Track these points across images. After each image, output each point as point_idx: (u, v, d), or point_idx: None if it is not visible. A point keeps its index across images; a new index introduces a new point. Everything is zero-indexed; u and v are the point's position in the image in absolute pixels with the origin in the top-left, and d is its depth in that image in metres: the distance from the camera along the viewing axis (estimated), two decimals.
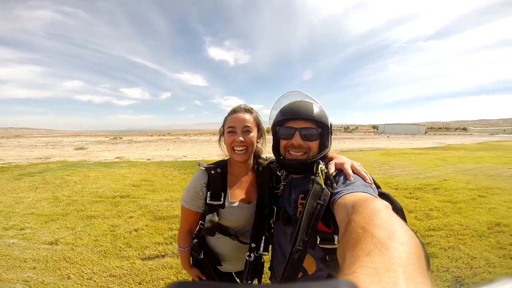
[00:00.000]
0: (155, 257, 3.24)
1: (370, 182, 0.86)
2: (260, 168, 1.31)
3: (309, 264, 0.93)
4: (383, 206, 0.51)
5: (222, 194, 1.22)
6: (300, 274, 0.94)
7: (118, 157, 14.93)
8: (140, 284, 2.71)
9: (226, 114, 1.32)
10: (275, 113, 1.11)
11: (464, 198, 5.69)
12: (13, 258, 3.14)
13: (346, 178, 0.85)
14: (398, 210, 0.76)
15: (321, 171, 0.85)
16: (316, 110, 1.00)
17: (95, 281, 2.73)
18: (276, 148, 1.10)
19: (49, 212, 4.88)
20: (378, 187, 0.91)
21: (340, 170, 0.91)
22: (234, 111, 1.26)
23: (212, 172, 1.24)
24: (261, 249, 1.12)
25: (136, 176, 8.29)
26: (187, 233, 1.34)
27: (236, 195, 1.27)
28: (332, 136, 1.09)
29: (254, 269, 1.13)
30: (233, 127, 1.22)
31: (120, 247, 3.53)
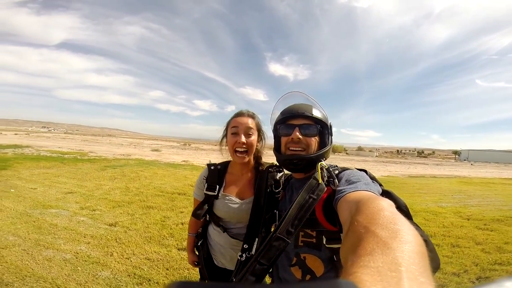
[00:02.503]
0: None
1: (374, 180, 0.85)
2: (261, 169, 1.38)
3: (317, 266, 0.91)
4: (387, 204, 0.49)
5: (217, 186, 1.34)
6: (308, 276, 0.92)
7: (184, 161, 16.35)
8: (167, 269, 2.78)
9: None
10: (276, 115, 1.14)
11: None
12: (77, 232, 3.59)
13: (350, 176, 0.82)
14: (402, 208, 0.74)
15: (321, 168, 0.86)
16: (315, 109, 1.03)
17: (131, 261, 2.89)
18: (277, 148, 1.11)
19: (118, 199, 5.52)
20: (380, 184, 0.87)
21: (344, 169, 0.91)
22: (238, 114, 1.35)
23: (211, 167, 1.40)
24: (254, 250, 1.11)
25: (195, 178, 8.76)
26: (194, 220, 1.47)
27: (230, 189, 1.37)
28: (332, 137, 1.07)
29: (243, 269, 1.04)
30: (236, 127, 1.29)
31: (164, 236, 3.72)
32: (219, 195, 1.34)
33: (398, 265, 0.28)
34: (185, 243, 3.44)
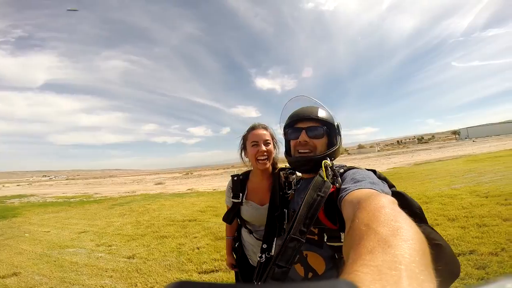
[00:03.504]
0: (210, 271, 3.35)
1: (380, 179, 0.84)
2: (277, 173, 1.48)
3: (319, 264, 0.91)
4: (388, 201, 0.49)
5: (240, 194, 1.50)
6: (310, 274, 0.92)
7: (189, 189, 16.40)
8: None
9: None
10: (284, 121, 1.18)
11: None
12: (98, 268, 3.65)
13: (355, 175, 0.82)
14: (415, 210, 0.76)
15: (325, 166, 0.86)
16: (321, 110, 1.06)
17: None
18: (287, 151, 1.16)
19: (131, 233, 5.58)
20: (392, 186, 0.87)
21: (349, 168, 0.92)
22: (254, 128, 1.50)
23: (235, 178, 1.56)
24: (273, 250, 1.13)
25: (203, 204, 8.90)
26: (228, 225, 1.65)
27: (251, 196, 1.52)
28: (341, 137, 1.09)
29: (264, 270, 1.16)
30: (256, 142, 1.44)
31: (183, 262, 3.77)
32: (243, 201, 1.50)
33: (398, 263, 0.28)
34: (204, 266, 3.52)
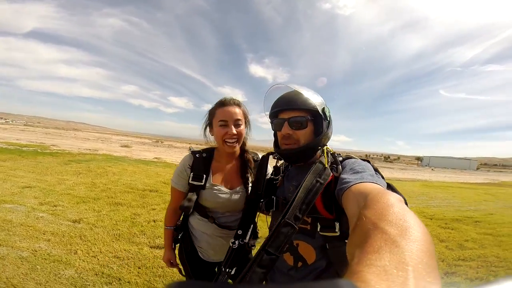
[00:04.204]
0: (163, 247, 3.11)
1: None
2: (246, 156, 1.39)
3: (309, 253, 0.90)
4: (396, 200, 0.47)
5: (203, 176, 1.28)
6: (300, 263, 0.92)
7: (156, 157, 15.73)
8: (139, 268, 2.61)
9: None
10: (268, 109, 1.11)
11: (510, 232, 5.10)
12: (35, 229, 3.26)
13: (354, 165, 0.82)
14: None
15: (327, 152, 0.85)
16: (303, 98, 0.97)
17: (98, 259, 2.67)
18: (275, 142, 1.11)
19: (83, 195, 5.14)
20: (382, 177, 0.85)
21: (348, 157, 0.91)
22: (223, 104, 1.28)
23: (197, 155, 1.32)
24: (248, 237, 1.09)
25: (168, 175, 8.47)
26: (172, 212, 1.40)
27: (219, 179, 1.32)
28: (330, 121, 1.03)
29: (236, 257, 1.06)
30: (225, 121, 1.25)
31: (135, 233, 3.51)
32: (207, 185, 1.28)
33: (405, 264, 0.28)
34: (158, 241, 3.28)
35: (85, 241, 3.09)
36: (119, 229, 3.58)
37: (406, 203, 0.73)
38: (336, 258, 0.84)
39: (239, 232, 1.09)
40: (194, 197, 1.27)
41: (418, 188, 12.96)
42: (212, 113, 1.31)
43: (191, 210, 1.29)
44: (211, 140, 1.36)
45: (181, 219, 1.45)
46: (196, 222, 1.36)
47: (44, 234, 3.15)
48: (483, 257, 3.75)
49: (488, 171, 70.44)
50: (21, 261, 2.45)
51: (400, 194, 0.74)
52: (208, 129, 1.36)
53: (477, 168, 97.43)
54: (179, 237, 1.39)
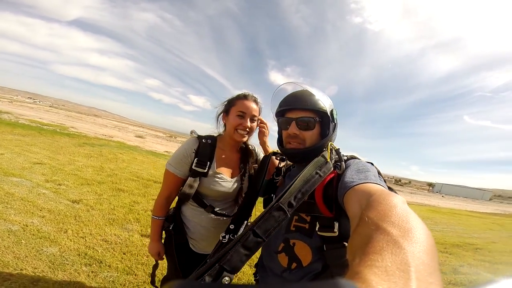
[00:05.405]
0: None
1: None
2: (248, 148, 1.45)
3: (305, 254, 0.87)
4: (400, 201, 0.47)
5: (208, 163, 1.25)
6: (294, 265, 0.88)
7: (166, 151, 15.94)
8: (124, 254, 2.60)
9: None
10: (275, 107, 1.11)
11: (508, 260, 5.12)
12: (34, 205, 3.32)
13: (358, 165, 0.79)
14: None
15: (331, 148, 0.83)
16: (313, 99, 0.97)
17: (85, 240, 2.68)
18: (279, 140, 1.10)
19: (89, 177, 5.23)
20: (384, 181, 0.82)
21: (352, 157, 0.90)
22: (245, 97, 1.31)
23: (203, 140, 1.29)
24: (239, 233, 1.06)
25: None
26: (164, 200, 1.33)
27: (221, 167, 1.31)
28: (336, 124, 1.03)
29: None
30: (243, 113, 1.28)
31: (129, 220, 3.52)
32: (209, 172, 1.26)
33: (407, 265, 0.28)
34: (149, 230, 3.25)
35: (79, 221, 3.11)
36: (115, 214, 3.59)
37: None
38: (333, 260, 0.82)
39: (231, 226, 1.07)
40: (196, 183, 1.25)
41: (424, 212, 12.73)
42: (231, 102, 1.33)
43: (190, 198, 1.27)
44: (220, 126, 1.40)
45: (171, 208, 1.40)
46: (190, 212, 1.32)
47: (40, 210, 3.20)
48: (474, 283, 3.73)
49: (501, 203, 66.76)
50: (8, 234, 2.48)
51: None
52: (222, 116, 1.38)
53: (490, 199, 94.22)
54: (170, 228, 1.34)
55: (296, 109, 0.98)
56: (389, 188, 0.76)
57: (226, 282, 0.54)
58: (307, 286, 0.19)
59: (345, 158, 0.88)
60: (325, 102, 0.97)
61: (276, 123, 1.12)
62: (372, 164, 0.86)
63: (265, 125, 1.44)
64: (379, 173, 0.82)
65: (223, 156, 1.34)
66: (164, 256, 1.39)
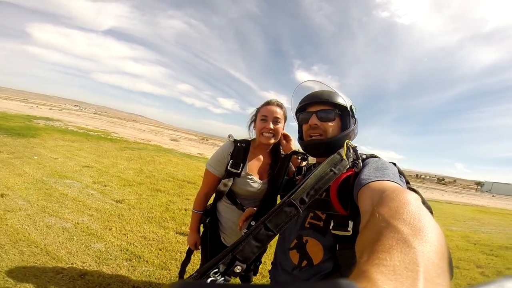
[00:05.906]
0: (187, 234, 3.25)
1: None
2: (278, 152, 1.52)
3: (317, 252, 0.86)
4: (413, 198, 0.45)
5: (241, 164, 1.39)
6: (305, 262, 0.87)
7: (199, 153, 16.60)
8: (160, 250, 2.79)
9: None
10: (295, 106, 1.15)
11: None
12: (84, 204, 3.69)
13: (377, 164, 0.77)
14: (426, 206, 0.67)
15: (347, 146, 0.82)
16: (332, 94, 1.02)
17: (127, 237, 2.92)
18: (300, 135, 1.12)
19: (130, 179, 5.65)
20: (408, 182, 0.83)
21: (372, 155, 0.88)
22: (268, 103, 1.44)
23: (238, 144, 1.43)
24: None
25: None
26: (203, 196, 1.49)
27: (252, 169, 1.43)
28: (356, 120, 1.05)
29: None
30: (266, 116, 1.39)
31: (165, 218, 3.75)
32: (242, 173, 1.39)
33: (415, 264, 0.27)
34: (184, 228, 3.43)
35: (122, 220, 3.39)
36: (153, 213, 3.86)
37: (430, 209, 0.67)
38: (344, 261, 0.81)
39: (252, 223, 1.11)
40: (230, 182, 1.38)
41: (470, 212, 11.91)
42: (257, 110, 1.48)
43: (224, 195, 1.41)
44: (253, 134, 1.52)
45: (208, 204, 1.55)
46: (224, 208, 1.47)
47: (89, 209, 3.54)
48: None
49: None
50: (63, 231, 2.79)
51: (426, 203, 0.67)
52: (253, 124, 1.51)
53: None
54: (207, 221, 1.50)
55: (316, 103, 1.02)
56: (410, 189, 0.73)
57: (238, 271, 0.57)
58: (308, 285, 0.18)
59: (364, 156, 0.86)
60: (344, 98, 1.01)
61: (296, 121, 1.16)
62: (394, 164, 0.84)
63: (288, 136, 1.52)
64: (400, 172, 0.81)
65: (255, 159, 1.46)
66: (199, 247, 1.55)
